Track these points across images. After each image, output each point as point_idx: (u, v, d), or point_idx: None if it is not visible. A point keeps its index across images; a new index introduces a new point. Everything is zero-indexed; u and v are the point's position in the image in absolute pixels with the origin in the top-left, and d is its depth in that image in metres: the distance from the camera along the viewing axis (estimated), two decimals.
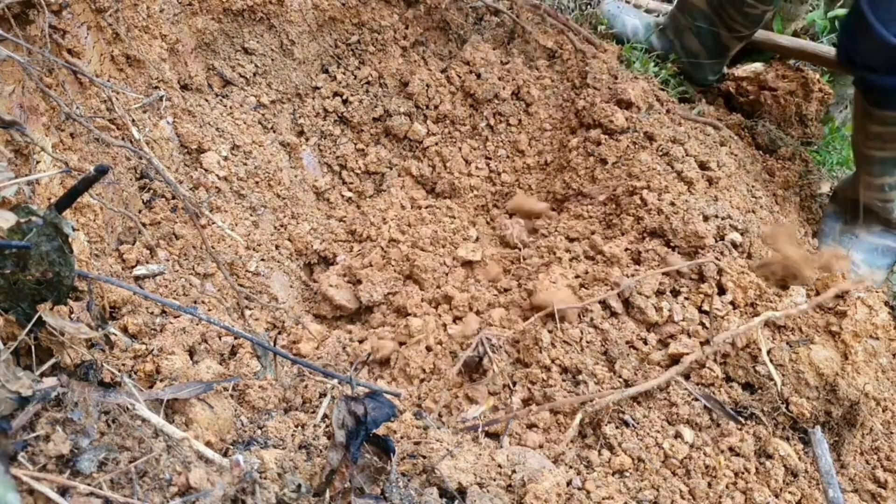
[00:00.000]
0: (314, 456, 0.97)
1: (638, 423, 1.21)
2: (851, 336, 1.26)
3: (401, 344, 1.41)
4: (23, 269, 0.80)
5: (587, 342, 1.34)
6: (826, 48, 2.10)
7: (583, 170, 1.70)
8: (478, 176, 1.80)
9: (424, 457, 1.04)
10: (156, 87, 1.48)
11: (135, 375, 0.99)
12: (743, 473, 1.18)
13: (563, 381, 1.30)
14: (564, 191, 1.72)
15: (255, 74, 1.74)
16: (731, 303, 1.37)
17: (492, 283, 1.57)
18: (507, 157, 1.81)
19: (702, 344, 1.31)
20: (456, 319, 1.46)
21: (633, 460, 1.16)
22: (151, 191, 1.41)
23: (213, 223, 1.43)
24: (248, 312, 1.40)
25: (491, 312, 1.45)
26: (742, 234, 1.48)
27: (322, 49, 1.82)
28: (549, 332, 1.36)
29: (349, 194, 1.80)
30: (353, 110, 1.82)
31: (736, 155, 1.78)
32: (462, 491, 0.98)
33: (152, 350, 1.05)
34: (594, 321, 1.37)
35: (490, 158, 1.81)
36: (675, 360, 1.30)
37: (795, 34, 2.28)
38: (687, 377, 1.29)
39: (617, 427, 1.21)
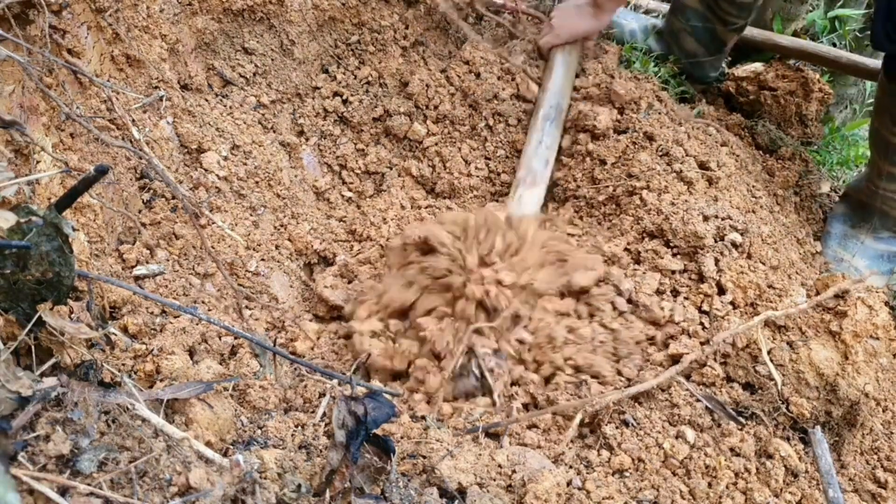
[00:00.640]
0: (314, 456, 0.97)
1: (638, 424, 1.21)
2: (851, 336, 1.26)
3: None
4: (23, 269, 0.80)
5: (593, 341, 1.34)
6: (826, 48, 2.11)
7: (579, 171, 1.70)
8: (477, 176, 1.80)
9: (424, 457, 1.04)
10: (156, 87, 1.48)
11: (135, 375, 0.99)
12: (743, 473, 1.18)
13: (565, 381, 1.30)
14: (564, 192, 1.72)
15: (255, 74, 1.74)
16: (731, 303, 1.37)
17: None
18: (507, 157, 1.81)
19: (702, 344, 1.31)
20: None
21: (633, 460, 1.16)
22: (151, 191, 1.41)
23: (213, 223, 1.43)
24: (247, 312, 1.40)
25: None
26: (742, 234, 1.48)
27: (322, 49, 1.82)
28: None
29: (349, 194, 1.80)
30: (353, 110, 1.82)
31: (736, 155, 1.78)
32: (462, 491, 0.98)
33: (152, 350, 1.05)
34: (597, 321, 1.37)
35: (489, 159, 1.81)
36: (675, 360, 1.31)
37: (795, 34, 2.28)
38: (688, 377, 1.29)
39: (617, 427, 1.21)
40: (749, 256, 1.46)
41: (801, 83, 2.02)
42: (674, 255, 1.47)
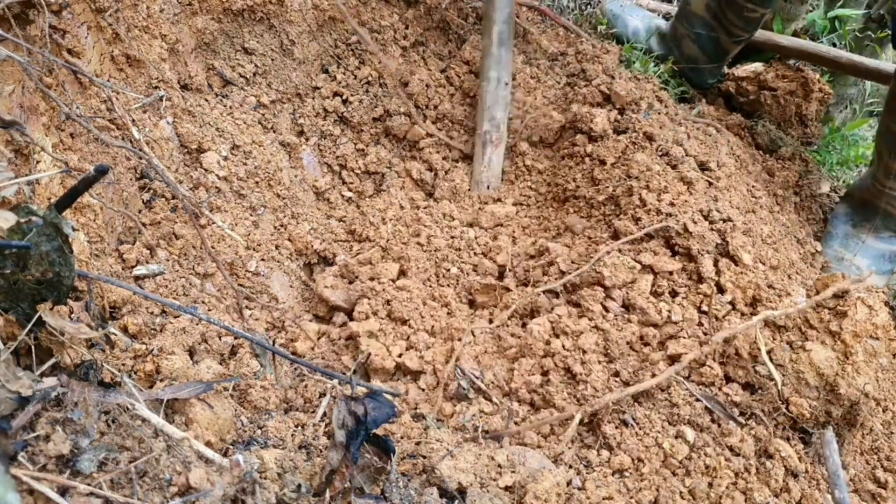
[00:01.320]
0: (314, 456, 0.97)
1: (638, 423, 1.21)
2: (851, 336, 1.26)
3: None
4: (23, 269, 0.80)
5: (589, 342, 1.34)
6: (826, 48, 2.11)
7: (579, 171, 1.70)
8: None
9: (424, 457, 1.04)
10: (156, 87, 1.48)
11: (135, 375, 0.99)
12: (743, 473, 1.18)
13: (563, 381, 1.30)
14: (564, 192, 1.72)
15: (255, 74, 1.74)
16: (731, 303, 1.37)
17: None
18: (506, 157, 1.81)
19: (701, 344, 1.31)
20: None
21: (632, 460, 1.16)
22: (151, 191, 1.41)
23: (213, 223, 1.43)
24: (247, 312, 1.40)
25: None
26: (742, 235, 1.48)
27: (322, 49, 1.82)
28: (551, 330, 1.36)
29: (349, 194, 1.80)
30: (352, 110, 1.82)
31: (736, 155, 1.78)
32: (462, 491, 0.98)
33: (152, 350, 1.05)
34: (595, 321, 1.37)
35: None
36: (674, 360, 1.31)
37: (795, 34, 2.28)
38: (687, 377, 1.29)
39: (617, 427, 1.21)
40: (749, 256, 1.46)
41: (801, 83, 2.02)
42: (673, 255, 1.47)
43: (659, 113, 1.73)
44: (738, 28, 1.91)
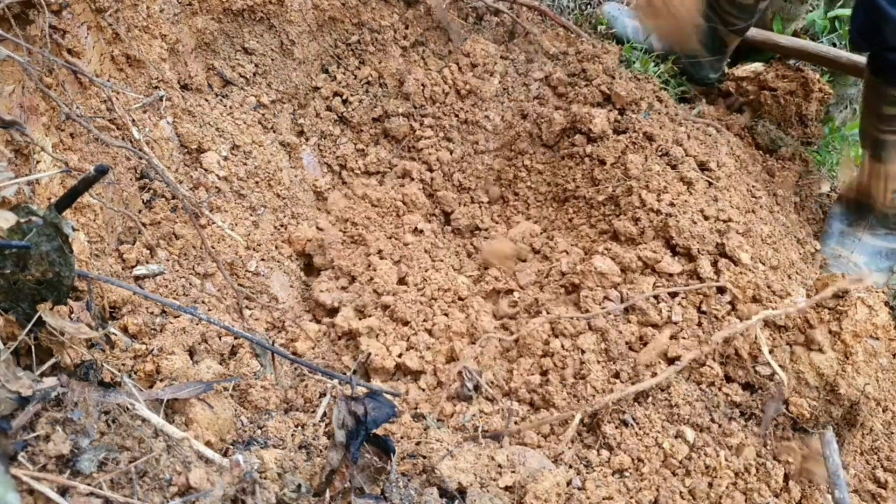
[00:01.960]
0: (314, 456, 0.97)
1: (638, 423, 1.21)
2: (851, 336, 1.26)
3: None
4: (23, 269, 0.80)
5: (588, 342, 1.34)
6: (826, 48, 2.11)
7: (579, 171, 1.69)
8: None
9: (424, 457, 1.04)
10: (156, 87, 1.48)
11: (135, 375, 0.99)
12: (743, 473, 1.18)
13: (563, 382, 1.30)
14: (563, 192, 1.72)
15: (255, 74, 1.74)
16: (731, 303, 1.37)
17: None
18: (506, 157, 1.81)
19: (701, 344, 1.31)
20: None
21: (632, 460, 1.16)
22: (151, 191, 1.41)
23: (213, 223, 1.43)
24: (247, 312, 1.40)
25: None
26: (742, 235, 1.48)
27: (322, 49, 1.82)
28: (551, 331, 1.36)
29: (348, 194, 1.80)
30: (352, 110, 1.82)
31: (736, 155, 1.78)
32: (462, 491, 0.98)
33: (152, 350, 1.05)
34: (595, 321, 1.37)
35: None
36: (674, 360, 1.30)
37: (795, 34, 2.28)
38: (687, 377, 1.29)
39: (616, 427, 1.21)
40: (749, 256, 1.46)
41: (801, 83, 2.02)
42: (673, 255, 1.47)
43: (659, 113, 1.73)
44: (734, 17, 1.91)
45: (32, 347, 0.82)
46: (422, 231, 1.66)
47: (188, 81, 1.60)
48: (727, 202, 1.56)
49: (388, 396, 1.08)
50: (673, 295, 1.41)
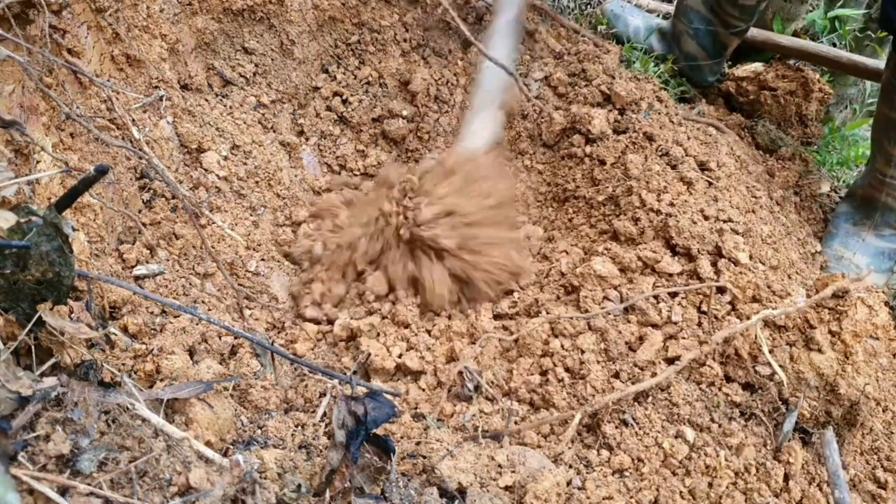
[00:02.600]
0: (314, 456, 0.98)
1: (638, 423, 1.21)
2: (851, 336, 1.26)
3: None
4: (23, 269, 0.80)
5: (588, 342, 1.34)
6: (826, 48, 2.11)
7: (579, 171, 1.69)
8: None
9: (424, 457, 1.04)
10: (156, 87, 1.48)
11: (135, 375, 0.99)
12: (743, 473, 1.18)
13: (563, 382, 1.30)
14: (564, 192, 1.72)
15: (255, 74, 1.74)
16: (731, 303, 1.37)
17: None
18: (507, 158, 1.81)
19: (700, 343, 1.31)
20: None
21: (632, 460, 1.16)
22: (151, 191, 1.41)
23: (213, 223, 1.43)
24: (248, 312, 1.40)
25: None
26: (742, 235, 1.48)
27: (322, 49, 1.82)
28: (550, 331, 1.36)
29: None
30: (352, 110, 1.82)
31: (736, 155, 1.78)
32: (462, 491, 0.98)
33: (152, 350, 1.05)
34: (595, 321, 1.37)
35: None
36: (674, 360, 1.30)
37: (795, 34, 2.28)
38: (687, 377, 1.29)
39: (616, 427, 1.21)
40: (750, 257, 1.46)
41: (801, 83, 2.02)
42: (673, 255, 1.47)
43: (659, 113, 1.73)
44: (735, 18, 1.91)
45: (32, 347, 0.82)
46: None
47: (188, 81, 1.60)
48: (727, 202, 1.56)
49: (388, 396, 1.08)
50: (673, 295, 1.41)
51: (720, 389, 1.27)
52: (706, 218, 1.49)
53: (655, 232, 1.50)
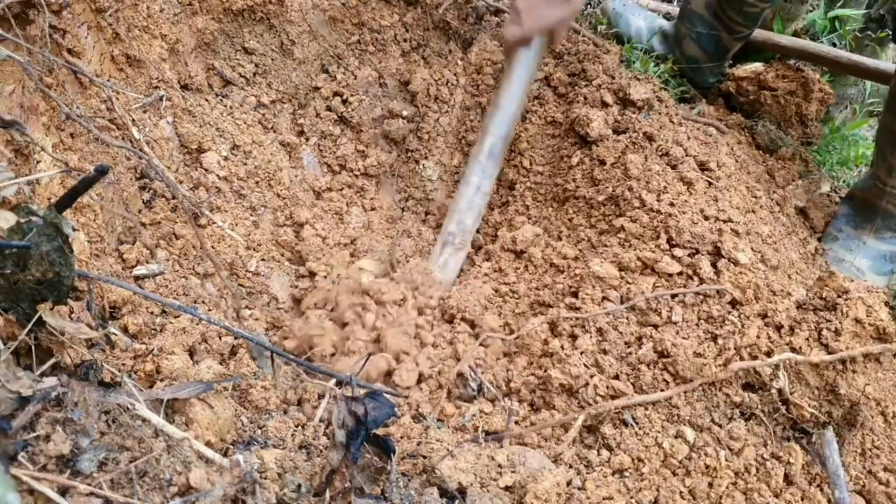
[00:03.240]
0: (314, 456, 0.98)
1: (638, 423, 1.21)
2: (851, 336, 1.26)
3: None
4: (23, 269, 0.80)
5: (588, 343, 1.34)
6: (826, 48, 2.10)
7: (579, 171, 1.69)
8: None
9: (424, 457, 1.04)
10: (156, 87, 1.48)
11: (135, 375, 0.99)
12: (743, 473, 1.18)
13: (563, 384, 1.30)
14: (563, 192, 1.72)
15: (255, 74, 1.74)
16: (731, 303, 1.37)
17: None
18: (506, 158, 1.81)
19: (700, 343, 1.31)
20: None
21: (632, 460, 1.16)
22: (151, 191, 1.41)
23: (213, 223, 1.43)
24: (247, 312, 1.40)
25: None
26: (742, 235, 1.48)
27: (322, 49, 1.82)
28: (552, 333, 1.36)
29: (349, 194, 1.80)
30: (353, 110, 1.82)
31: (736, 155, 1.78)
32: (462, 491, 0.98)
33: (152, 350, 1.05)
34: (595, 322, 1.37)
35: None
36: (674, 360, 1.30)
37: (795, 34, 2.28)
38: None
39: (616, 427, 1.21)
40: (749, 257, 1.46)
41: (801, 83, 2.02)
42: (673, 255, 1.47)
43: (659, 113, 1.73)
44: (739, 24, 1.91)
45: (32, 347, 0.82)
46: (420, 231, 1.67)
47: (188, 81, 1.60)
48: (727, 202, 1.56)
49: (388, 396, 1.08)
50: (673, 295, 1.41)
51: (720, 389, 1.27)
52: (706, 218, 1.49)
53: (655, 232, 1.50)
